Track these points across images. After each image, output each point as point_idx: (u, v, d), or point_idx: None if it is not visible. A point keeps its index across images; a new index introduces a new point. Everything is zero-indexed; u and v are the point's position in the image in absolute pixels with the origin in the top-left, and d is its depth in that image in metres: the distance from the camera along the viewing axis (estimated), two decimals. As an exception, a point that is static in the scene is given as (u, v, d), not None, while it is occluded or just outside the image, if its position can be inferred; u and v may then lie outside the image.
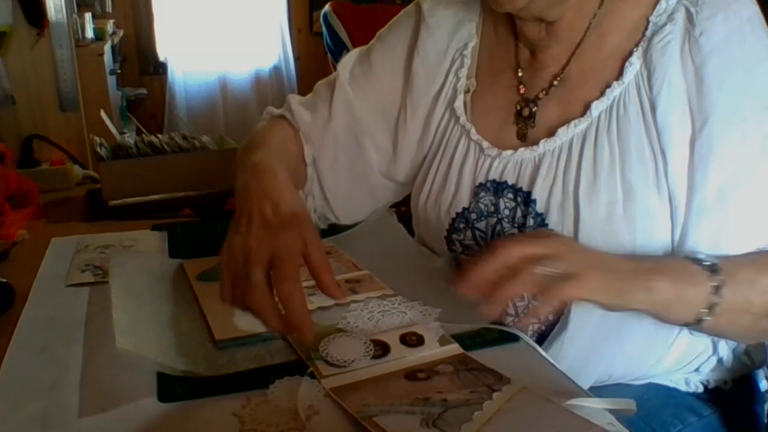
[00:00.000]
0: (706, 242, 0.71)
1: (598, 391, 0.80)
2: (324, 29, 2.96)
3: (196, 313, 0.73)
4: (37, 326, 0.74)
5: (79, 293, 0.82)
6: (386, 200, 1.01)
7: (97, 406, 0.59)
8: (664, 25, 0.73)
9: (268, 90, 4.95)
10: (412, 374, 0.62)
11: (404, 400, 0.57)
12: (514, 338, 0.70)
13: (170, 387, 0.61)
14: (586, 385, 0.67)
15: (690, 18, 0.72)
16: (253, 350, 0.66)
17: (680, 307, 0.65)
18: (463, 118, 0.86)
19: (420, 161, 0.93)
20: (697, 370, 0.84)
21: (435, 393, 0.58)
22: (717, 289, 0.65)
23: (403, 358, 0.64)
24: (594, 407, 0.58)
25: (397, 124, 0.92)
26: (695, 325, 0.67)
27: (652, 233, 0.73)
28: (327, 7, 2.91)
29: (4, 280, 0.81)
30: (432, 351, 0.65)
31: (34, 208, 1.15)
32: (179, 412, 0.58)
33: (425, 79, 0.89)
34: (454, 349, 0.66)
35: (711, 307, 0.65)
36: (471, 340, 0.69)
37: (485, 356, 0.65)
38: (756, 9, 0.72)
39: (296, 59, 4.95)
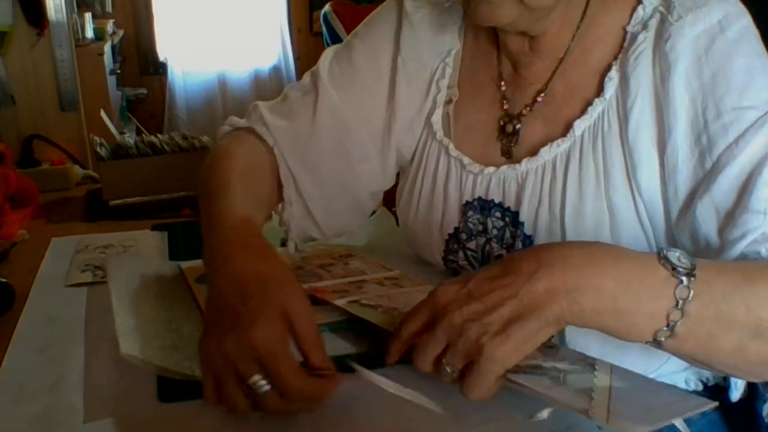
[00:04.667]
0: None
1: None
2: (324, 29, 2.97)
3: (197, 316, 0.73)
4: (37, 326, 0.74)
5: (79, 293, 0.82)
6: (370, 209, 0.93)
7: (97, 406, 0.59)
8: (639, 34, 0.69)
9: (267, 90, 4.94)
10: None
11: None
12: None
13: (171, 387, 0.61)
14: None
15: (662, 24, 0.68)
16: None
17: (632, 320, 0.53)
18: (439, 134, 0.82)
19: (400, 167, 0.88)
20: (696, 369, 0.82)
21: (539, 360, 0.54)
22: (683, 302, 0.52)
23: None
24: None
25: (383, 128, 0.84)
26: (653, 343, 0.54)
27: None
28: (327, 7, 2.92)
29: (4, 280, 0.81)
30: None
31: (34, 208, 1.14)
32: (180, 413, 0.58)
33: (406, 82, 0.83)
34: None
35: (671, 325, 0.52)
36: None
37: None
38: (733, 10, 0.67)
39: (296, 59, 4.95)
